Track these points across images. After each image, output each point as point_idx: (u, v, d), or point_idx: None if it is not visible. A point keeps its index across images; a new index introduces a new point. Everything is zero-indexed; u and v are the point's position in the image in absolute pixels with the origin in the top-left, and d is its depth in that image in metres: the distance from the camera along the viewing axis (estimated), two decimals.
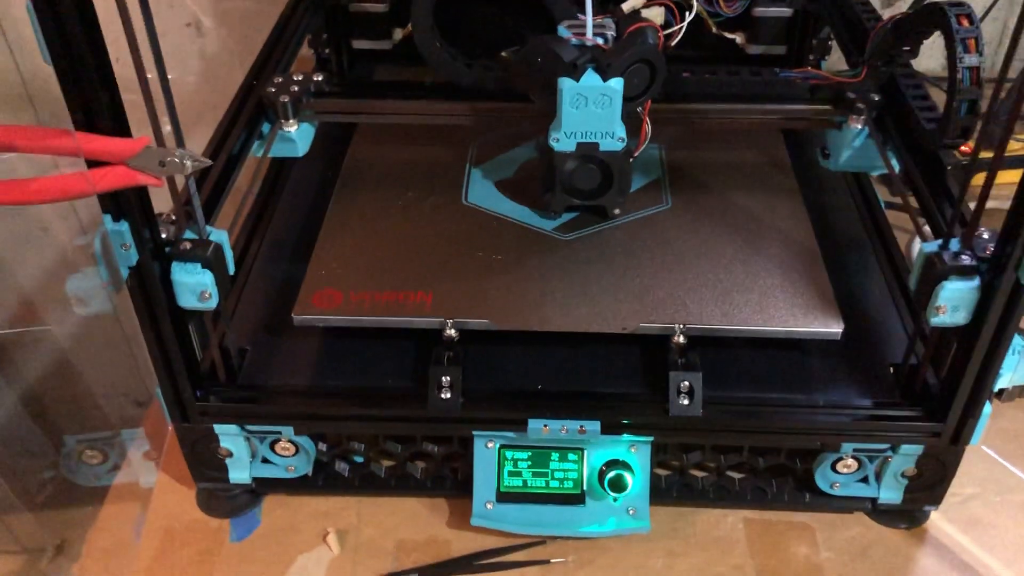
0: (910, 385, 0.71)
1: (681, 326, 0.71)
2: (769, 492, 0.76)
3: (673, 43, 0.78)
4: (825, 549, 0.74)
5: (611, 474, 0.71)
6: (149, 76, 0.54)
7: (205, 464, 0.75)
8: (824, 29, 1.02)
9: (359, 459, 0.78)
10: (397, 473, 0.78)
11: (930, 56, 1.32)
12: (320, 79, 0.80)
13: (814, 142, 0.93)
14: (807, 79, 0.83)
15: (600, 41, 0.71)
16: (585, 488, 0.73)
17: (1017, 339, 0.64)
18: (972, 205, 0.63)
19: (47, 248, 1.15)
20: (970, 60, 0.68)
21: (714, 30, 0.97)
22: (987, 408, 0.67)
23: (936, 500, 0.75)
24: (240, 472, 0.76)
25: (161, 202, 0.62)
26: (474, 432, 0.73)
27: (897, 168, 0.77)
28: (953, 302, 0.62)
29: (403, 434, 0.76)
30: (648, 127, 0.77)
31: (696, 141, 0.92)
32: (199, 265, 0.62)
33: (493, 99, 0.80)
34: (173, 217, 0.64)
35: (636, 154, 0.77)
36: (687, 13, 0.78)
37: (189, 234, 0.63)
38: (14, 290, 1.08)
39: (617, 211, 0.80)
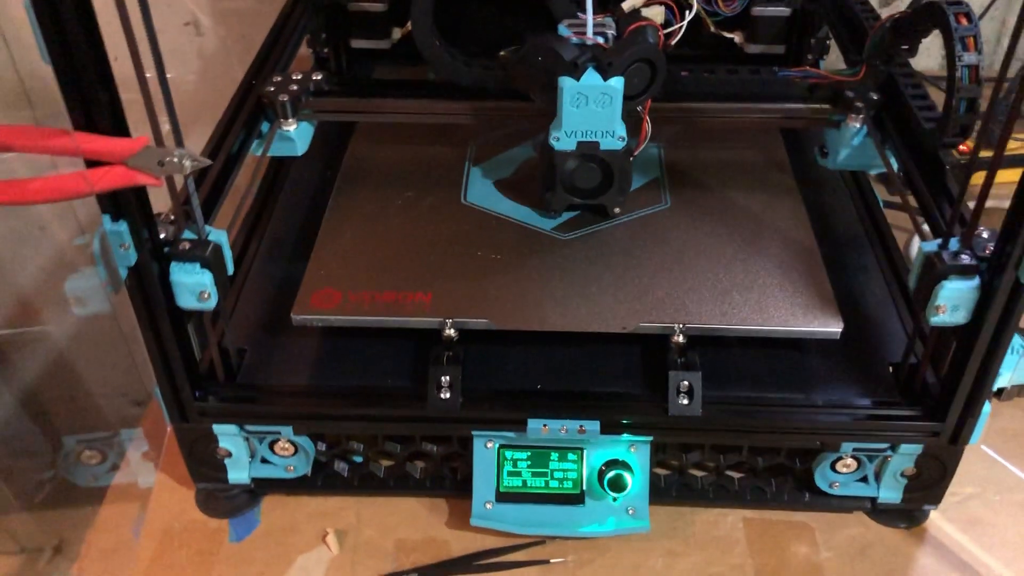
0: (909, 384, 0.71)
1: (680, 326, 0.71)
2: (768, 492, 0.76)
3: (673, 42, 0.78)
4: (825, 549, 0.74)
5: (611, 474, 0.71)
6: (148, 75, 0.54)
7: (204, 464, 0.75)
8: (822, 28, 1.01)
9: (358, 459, 0.78)
10: (396, 473, 0.78)
11: (928, 55, 1.32)
12: (319, 78, 0.80)
13: (813, 141, 0.93)
14: (806, 78, 0.83)
15: (600, 40, 0.70)
16: (584, 488, 0.73)
17: (1016, 338, 0.64)
18: (971, 204, 0.63)
19: (45, 247, 1.15)
20: (969, 58, 0.68)
21: (712, 29, 0.97)
22: (986, 407, 0.67)
23: (935, 499, 0.75)
24: (239, 472, 0.75)
25: (160, 202, 0.62)
26: (473, 432, 0.73)
27: (896, 167, 0.77)
28: (953, 302, 0.62)
29: (402, 434, 0.76)
30: (648, 126, 0.77)
31: (695, 140, 0.92)
32: (198, 265, 0.62)
33: (492, 98, 0.80)
34: (172, 217, 0.63)
35: (636, 153, 0.77)
36: (687, 12, 0.78)
37: (188, 234, 0.63)
38: (12, 290, 1.08)
39: (617, 210, 0.80)
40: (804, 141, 0.96)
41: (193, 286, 0.63)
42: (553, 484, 0.73)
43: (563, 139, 0.73)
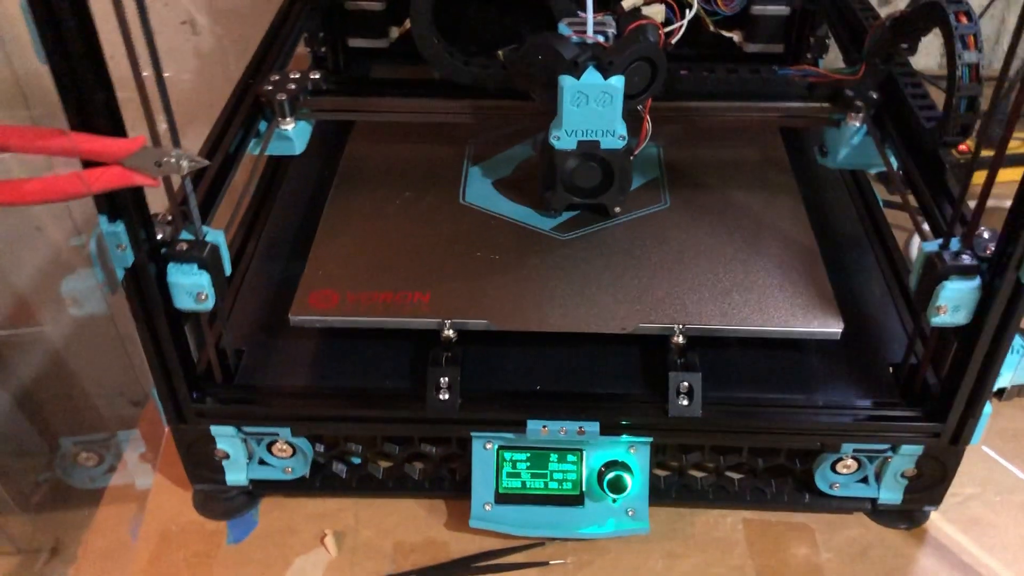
0: (910, 385, 0.71)
1: (680, 326, 0.70)
2: (768, 493, 0.76)
3: (674, 41, 0.78)
4: (825, 550, 0.73)
5: (610, 475, 0.71)
6: (144, 74, 0.53)
7: (201, 466, 0.75)
8: (822, 27, 1.01)
9: (357, 460, 0.77)
10: (395, 474, 0.77)
11: (927, 54, 1.32)
12: (317, 77, 0.79)
13: (812, 140, 0.92)
14: (805, 77, 0.83)
15: (601, 39, 0.70)
16: (584, 489, 0.73)
17: (1017, 339, 0.64)
18: (971, 204, 0.62)
19: (41, 247, 1.14)
20: (969, 57, 0.68)
21: (711, 28, 0.97)
22: (987, 408, 0.67)
23: (936, 500, 0.74)
24: (237, 474, 0.75)
25: (157, 201, 0.61)
26: (472, 433, 0.72)
27: (895, 166, 0.76)
28: (954, 302, 0.62)
29: (401, 435, 0.75)
30: (649, 125, 0.77)
31: (694, 140, 0.92)
32: (195, 266, 0.62)
33: (492, 97, 0.79)
34: (169, 217, 0.63)
35: (636, 152, 0.77)
36: (687, 11, 0.78)
37: (185, 234, 0.63)
38: (8, 290, 1.08)
39: (618, 209, 0.80)
40: (804, 140, 0.96)
41: (190, 287, 0.62)
42: (552, 485, 0.73)
43: (563, 138, 0.73)
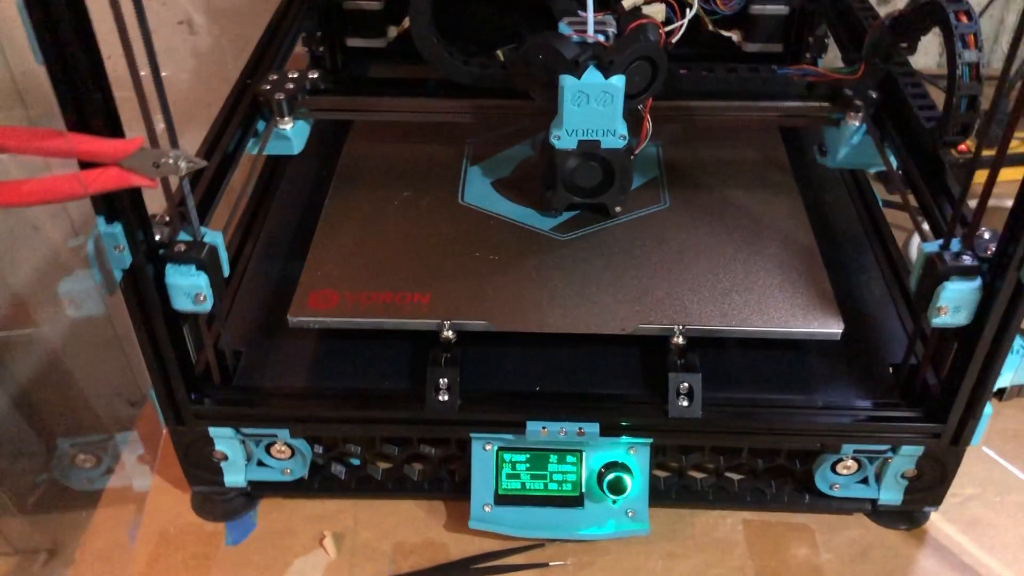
0: (910, 386, 0.71)
1: (680, 327, 0.70)
2: (768, 493, 0.76)
3: (674, 40, 0.78)
4: (825, 550, 0.73)
5: (610, 476, 0.70)
6: (142, 74, 0.53)
7: (200, 467, 0.75)
8: (821, 27, 1.01)
9: (356, 462, 0.77)
10: (394, 475, 0.77)
11: (926, 53, 1.32)
12: (316, 76, 0.79)
13: (812, 140, 0.92)
14: (804, 76, 0.82)
15: (601, 38, 0.70)
16: (584, 490, 0.73)
17: (1018, 339, 0.64)
18: (970, 203, 0.62)
19: (38, 247, 1.14)
20: (969, 56, 0.68)
21: (710, 28, 0.97)
22: (988, 409, 0.67)
23: (936, 501, 0.74)
24: (235, 475, 0.75)
25: (154, 202, 0.61)
26: (472, 434, 0.72)
27: (895, 165, 0.76)
28: (955, 303, 0.62)
29: (400, 436, 0.75)
30: (649, 124, 0.76)
31: (693, 139, 0.92)
32: (193, 267, 0.61)
33: (491, 96, 0.79)
34: (167, 218, 0.63)
35: (637, 151, 0.77)
36: (688, 10, 0.78)
37: (183, 235, 0.63)
38: (5, 290, 1.07)
39: (618, 209, 0.80)
40: (803, 140, 0.95)
41: (189, 288, 0.62)
42: (552, 486, 0.73)
43: (564, 138, 0.72)
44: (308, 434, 0.73)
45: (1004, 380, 0.66)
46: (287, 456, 0.74)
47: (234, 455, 0.73)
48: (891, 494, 0.74)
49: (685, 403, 0.69)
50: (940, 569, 0.73)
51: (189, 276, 0.61)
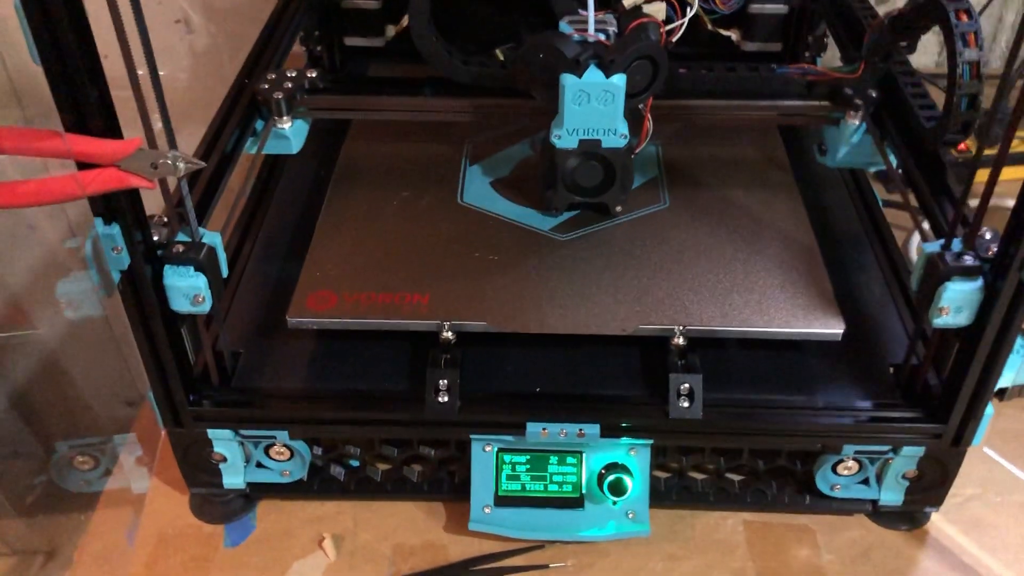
0: (911, 386, 0.71)
1: (680, 327, 0.70)
2: (769, 494, 0.76)
3: (674, 39, 0.77)
4: (826, 551, 0.73)
5: (611, 478, 0.70)
6: (139, 73, 0.53)
7: (198, 469, 0.74)
8: (820, 26, 1.01)
9: (355, 463, 0.77)
10: (393, 477, 0.77)
11: (924, 52, 1.32)
12: (314, 75, 0.79)
13: (811, 139, 0.92)
14: (804, 75, 0.82)
15: (602, 37, 0.70)
16: (584, 492, 0.72)
17: (1019, 339, 0.64)
18: (971, 203, 0.62)
19: (35, 247, 1.14)
20: (970, 55, 0.68)
21: (709, 27, 0.96)
22: (989, 409, 0.67)
23: (937, 502, 0.74)
24: (234, 477, 0.74)
25: (152, 202, 0.61)
26: (472, 435, 0.72)
27: (895, 164, 0.76)
28: (956, 303, 0.62)
29: (399, 438, 0.75)
30: (650, 124, 0.76)
31: (692, 138, 0.91)
32: (192, 268, 0.61)
33: (490, 96, 0.79)
34: (165, 219, 0.62)
35: (638, 151, 0.76)
36: (688, 8, 0.77)
37: (181, 236, 0.62)
38: (1, 290, 1.07)
39: (619, 208, 0.79)
40: (803, 139, 0.95)
41: (187, 289, 0.62)
42: (552, 488, 0.73)
43: (565, 137, 0.72)
44: (307, 435, 0.73)
45: (1005, 380, 0.66)
46: (286, 458, 0.74)
47: (233, 457, 0.73)
48: (892, 495, 0.74)
49: (686, 404, 0.69)
50: (941, 570, 0.72)
51: (187, 277, 0.61)
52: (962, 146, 0.99)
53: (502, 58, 0.80)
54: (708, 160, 0.88)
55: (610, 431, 0.70)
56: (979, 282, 0.61)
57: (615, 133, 0.72)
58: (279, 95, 0.76)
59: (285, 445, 0.73)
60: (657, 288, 0.73)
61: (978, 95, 0.68)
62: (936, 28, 0.72)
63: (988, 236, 0.62)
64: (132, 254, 0.59)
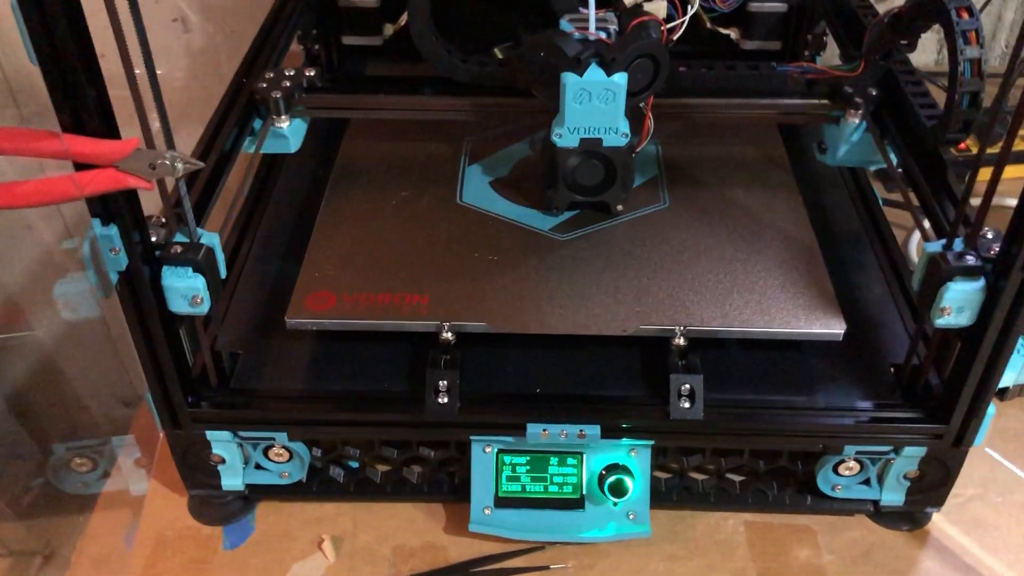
0: (912, 386, 0.71)
1: (681, 328, 0.70)
2: (770, 495, 0.75)
3: (675, 37, 0.77)
4: (827, 552, 0.73)
5: (611, 479, 0.70)
6: (137, 72, 0.52)
7: (197, 471, 0.74)
8: (819, 24, 1.01)
9: (354, 464, 0.77)
10: (393, 478, 0.76)
11: (922, 51, 1.32)
12: (312, 74, 0.79)
13: (810, 137, 0.92)
14: (804, 73, 0.82)
15: (603, 35, 0.69)
16: (584, 493, 0.72)
17: (1020, 339, 0.63)
18: (972, 202, 0.62)
19: (31, 247, 1.13)
20: (971, 52, 0.67)
21: (708, 25, 0.96)
22: (991, 409, 0.67)
23: (939, 502, 0.74)
24: (233, 479, 0.74)
25: (150, 203, 0.60)
26: (472, 437, 0.71)
27: (895, 163, 0.76)
28: (958, 303, 0.61)
29: (399, 439, 0.74)
30: (651, 122, 0.76)
31: (691, 137, 0.91)
32: (190, 269, 0.61)
33: (490, 94, 0.78)
34: (163, 220, 0.62)
35: (639, 149, 0.76)
36: (689, 7, 0.77)
37: (180, 237, 0.62)
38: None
39: (620, 207, 0.79)
40: (802, 138, 0.95)
41: (185, 290, 0.61)
42: (552, 489, 0.72)
43: (565, 136, 0.72)
44: (306, 437, 0.73)
45: (1006, 380, 0.65)
46: (285, 459, 0.73)
47: (231, 458, 0.73)
48: (893, 495, 0.73)
49: (687, 405, 0.68)
50: (942, 570, 0.72)
51: (186, 278, 0.61)
52: (961, 145, 0.98)
53: (500, 57, 0.80)
54: (707, 159, 0.88)
55: (611, 432, 0.70)
56: (981, 282, 0.61)
57: (616, 132, 0.72)
58: (277, 94, 0.76)
59: (284, 446, 0.72)
60: (657, 288, 0.73)
61: (979, 93, 0.68)
62: (935, 26, 0.72)
63: (990, 236, 0.62)
64: (130, 255, 0.58)
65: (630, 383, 0.72)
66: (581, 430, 0.69)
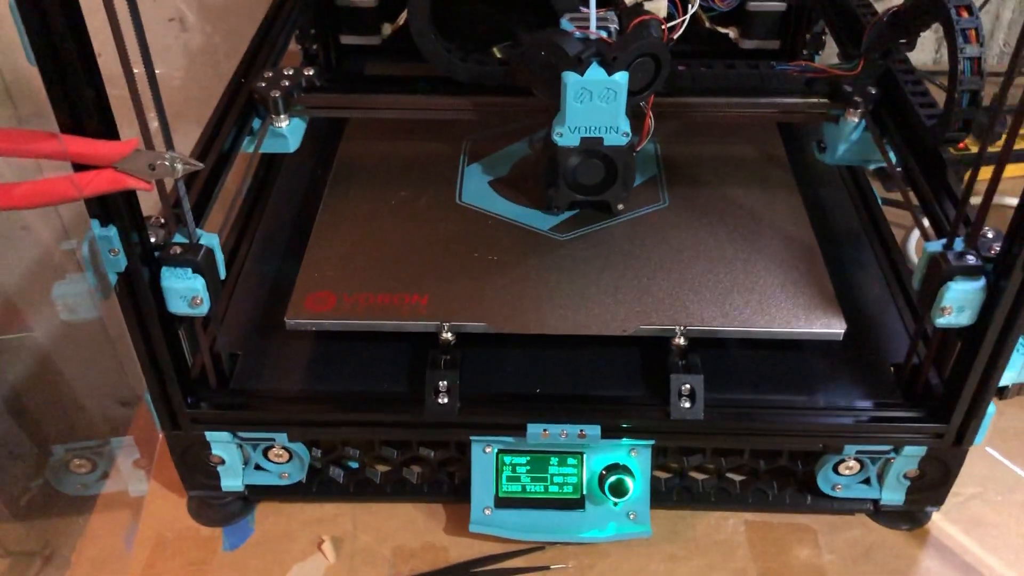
0: (912, 386, 0.71)
1: (681, 328, 0.70)
2: (770, 494, 0.75)
3: (676, 36, 0.77)
4: (827, 551, 0.73)
5: (611, 479, 0.70)
6: (136, 72, 0.52)
7: (197, 472, 0.74)
8: (818, 23, 1.01)
9: (354, 465, 0.76)
10: (393, 479, 0.76)
11: (921, 49, 1.32)
12: (311, 73, 0.79)
13: (809, 135, 0.92)
14: (803, 72, 0.82)
15: (604, 34, 0.69)
16: (585, 493, 0.72)
17: (1021, 338, 0.63)
18: (972, 201, 0.62)
19: (30, 248, 1.13)
20: (971, 51, 0.67)
21: (707, 24, 0.96)
22: (991, 408, 0.67)
23: (939, 501, 0.74)
24: (232, 479, 0.74)
25: (148, 203, 0.60)
26: (472, 437, 0.71)
27: (895, 162, 0.76)
28: (958, 303, 0.61)
29: (399, 439, 0.74)
30: (651, 121, 0.76)
31: (691, 136, 0.91)
32: (189, 270, 0.61)
33: (489, 94, 0.78)
34: (162, 221, 0.62)
35: (639, 148, 0.76)
36: (689, 6, 0.77)
37: (179, 238, 0.62)
38: None
39: (621, 206, 0.79)
40: (801, 137, 0.95)
41: (185, 291, 0.61)
42: (553, 489, 0.72)
43: (566, 135, 0.72)
44: (306, 438, 0.73)
45: (1006, 379, 0.65)
46: (285, 460, 0.73)
47: (231, 459, 0.73)
48: (893, 494, 0.73)
49: (687, 405, 0.68)
50: (942, 569, 0.72)
51: (185, 279, 0.61)
52: (960, 144, 0.98)
53: (500, 56, 0.80)
54: (707, 158, 0.88)
55: (611, 432, 0.70)
56: (981, 282, 0.61)
57: (617, 131, 0.72)
58: (276, 93, 0.76)
59: (284, 447, 0.72)
60: (657, 288, 0.73)
61: (979, 91, 0.68)
62: (933, 25, 0.72)
63: (991, 235, 0.62)
64: (129, 256, 0.58)
65: (630, 383, 0.72)
66: (581, 430, 0.69)
